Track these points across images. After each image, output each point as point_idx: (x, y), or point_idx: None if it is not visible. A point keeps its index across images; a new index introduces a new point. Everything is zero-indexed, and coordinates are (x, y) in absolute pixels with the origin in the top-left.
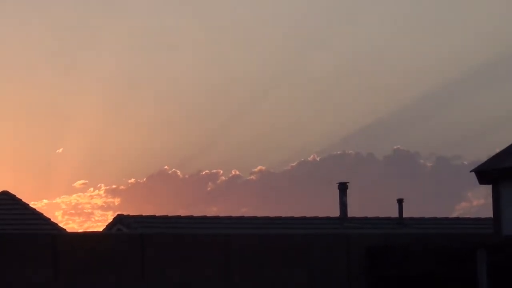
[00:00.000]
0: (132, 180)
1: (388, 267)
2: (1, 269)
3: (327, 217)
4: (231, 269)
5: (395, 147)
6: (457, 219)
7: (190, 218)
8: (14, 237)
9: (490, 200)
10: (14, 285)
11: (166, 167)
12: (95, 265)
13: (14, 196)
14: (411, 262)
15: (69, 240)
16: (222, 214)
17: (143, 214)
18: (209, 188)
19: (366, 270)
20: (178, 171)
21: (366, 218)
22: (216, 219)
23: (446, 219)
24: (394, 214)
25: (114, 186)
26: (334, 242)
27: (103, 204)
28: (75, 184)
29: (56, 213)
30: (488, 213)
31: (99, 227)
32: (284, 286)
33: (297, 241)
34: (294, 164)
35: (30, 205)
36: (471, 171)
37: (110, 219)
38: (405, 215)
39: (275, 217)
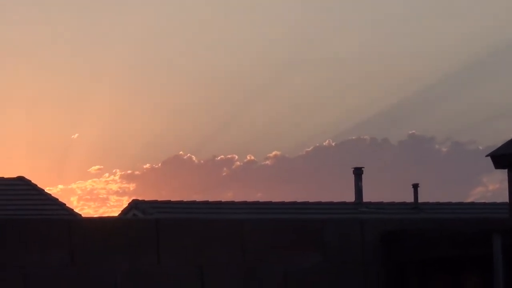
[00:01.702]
0: (147, 165)
1: (403, 252)
2: (16, 253)
3: (342, 202)
4: (245, 254)
5: (410, 132)
6: (473, 203)
7: (205, 203)
8: (30, 222)
9: (506, 184)
10: (29, 269)
11: (181, 152)
12: (110, 250)
13: (30, 181)
14: (426, 247)
15: (85, 225)
16: (237, 199)
17: (158, 200)
18: (224, 173)
19: (381, 255)
20: (193, 156)
21: (381, 203)
22: (231, 204)
23: (462, 203)
24: (410, 199)
25: (129, 172)
26: (349, 227)
27: (118, 189)
28: (90, 169)
29: (72, 199)
30: (504, 197)
31: (115, 212)
32: (299, 271)
33: (311, 226)
34: (310, 149)
35: (46, 191)
36: (486, 156)
37: (125, 205)
38: (420, 200)
39: (290, 202)
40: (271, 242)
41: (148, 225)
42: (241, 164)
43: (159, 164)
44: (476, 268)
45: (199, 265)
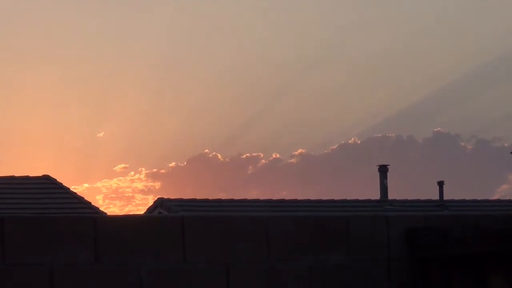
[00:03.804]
0: (173, 163)
1: (428, 248)
2: (41, 251)
3: (367, 199)
4: (270, 251)
5: (435, 129)
6: (498, 201)
7: (230, 201)
8: (55, 219)
9: None
10: (54, 267)
11: (206, 150)
12: (135, 248)
13: (55, 180)
14: (450, 243)
15: (110, 222)
16: (262, 197)
17: (184, 198)
18: (249, 172)
19: (406, 251)
20: (218, 154)
21: (406, 201)
22: (256, 202)
23: (487, 201)
24: (435, 196)
25: (154, 170)
26: (373, 224)
27: (144, 188)
28: (115, 168)
29: (97, 197)
30: None
31: (140, 211)
32: (323, 268)
33: (335, 223)
34: (335, 147)
35: (71, 189)
36: (511, 153)
37: (150, 203)
38: (445, 197)
39: (316, 200)
40: (295, 239)
41: (174, 222)
42: (266, 162)
43: (185, 163)
44: (501, 265)
45: (224, 262)
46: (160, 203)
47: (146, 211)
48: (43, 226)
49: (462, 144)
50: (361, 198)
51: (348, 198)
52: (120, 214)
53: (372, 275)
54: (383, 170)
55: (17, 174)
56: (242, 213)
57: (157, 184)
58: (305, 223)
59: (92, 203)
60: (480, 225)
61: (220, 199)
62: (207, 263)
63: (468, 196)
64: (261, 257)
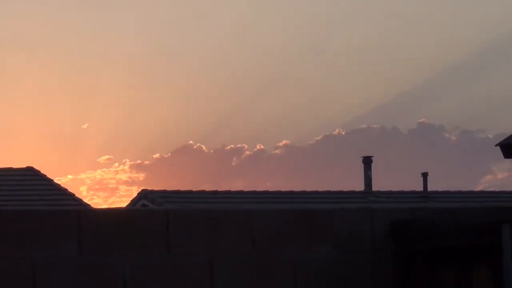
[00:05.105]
0: (157, 155)
1: (413, 241)
2: (25, 244)
3: (352, 191)
4: (255, 244)
5: (420, 120)
6: (482, 192)
7: (214, 193)
8: (38, 212)
9: None
10: (37, 260)
11: (190, 142)
12: (119, 241)
13: (39, 171)
14: (435, 236)
15: (94, 215)
16: (246, 188)
17: (168, 189)
18: (233, 163)
19: (391, 244)
20: (202, 145)
21: (390, 192)
22: (240, 194)
23: (471, 192)
24: (419, 187)
25: (138, 161)
26: (358, 216)
27: (128, 179)
28: (99, 159)
29: (81, 189)
30: None
31: (124, 202)
32: (309, 261)
33: (320, 215)
34: (319, 138)
35: (55, 181)
36: (496, 145)
37: (134, 195)
38: (429, 188)
39: (300, 191)
40: (280, 232)
41: (158, 216)
42: (251, 153)
43: (169, 154)
44: (485, 257)
45: (208, 255)
46: (144, 195)
47: (130, 203)
48: (26, 220)
49: (446, 135)
50: (345, 189)
51: (333, 189)
52: (104, 206)
53: (357, 266)
54: (367, 161)
55: (0, 165)
56: (226, 204)
57: (141, 176)
58: (289, 216)
59: (76, 195)
60: (464, 218)
61: (204, 190)
62: (191, 256)
63: (452, 187)
64: (246, 250)
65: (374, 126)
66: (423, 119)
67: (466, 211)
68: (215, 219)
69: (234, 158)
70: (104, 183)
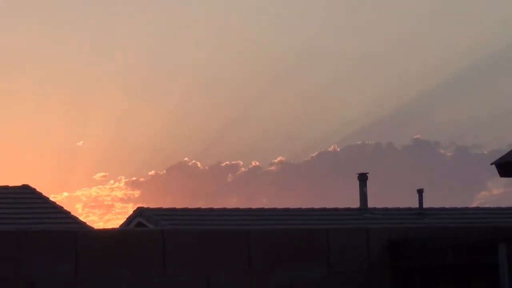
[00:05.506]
0: (152, 172)
1: (409, 260)
2: (23, 265)
3: (347, 208)
4: (251, 265)
5: (415, 136)
6: (477, 208)
7: (210, 210)
8: (36, 233)
9: (510, 189)
10: (35, 280)
11: (186, 158)
12: (116, 262)
13: (34, 189)
14: (431, 255)
15: (90, 236)
16: (242, 205)
17: (163, 207)
18: (229, 180)
19: (387, 264)
20: (198, 162)
21: (386, 209)
22: (236, 211)
23: (466, 209)
24: (414, 204)
25: (134, 178)
26: (354, 236)
27: (123, 196)
28: (95, 176)
29: (77, 206)
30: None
31: (120, 219)
32: (305, 280)
33: (316, 235)
34: (314, 154)
35: (50, 198)
36: (491, 164)
37: (130, 211)
38: (425, 205)
39: (295, 208)
40: (276, 252)
41: (154, 235)
42: (246, 170)
43: (164, 171)
44: (482, 276)
45: (205, 275)
46: (139, 213)
47: (125, 221)
48: (23, 240)
49: (442, 151)
50: (341, 206)
51: (328, 206)
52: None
53: (354, 286)
54: (362, 178)
55: None
56: (222, 221)
57: (137, 193)
58: (285, 236)
59: (72, 212)
60: (459, 237)
61: (200, 207)
62: (188, 276)
63: (448, 204)
64: (243, 270)
65: (369, 142)
66: (418, 135)
67: (462, 230)
68: (211, 239)
69: (230, 175)
70: (99, 200)
